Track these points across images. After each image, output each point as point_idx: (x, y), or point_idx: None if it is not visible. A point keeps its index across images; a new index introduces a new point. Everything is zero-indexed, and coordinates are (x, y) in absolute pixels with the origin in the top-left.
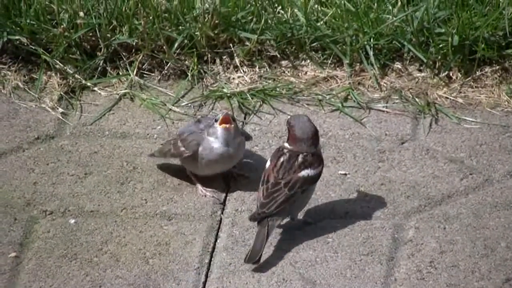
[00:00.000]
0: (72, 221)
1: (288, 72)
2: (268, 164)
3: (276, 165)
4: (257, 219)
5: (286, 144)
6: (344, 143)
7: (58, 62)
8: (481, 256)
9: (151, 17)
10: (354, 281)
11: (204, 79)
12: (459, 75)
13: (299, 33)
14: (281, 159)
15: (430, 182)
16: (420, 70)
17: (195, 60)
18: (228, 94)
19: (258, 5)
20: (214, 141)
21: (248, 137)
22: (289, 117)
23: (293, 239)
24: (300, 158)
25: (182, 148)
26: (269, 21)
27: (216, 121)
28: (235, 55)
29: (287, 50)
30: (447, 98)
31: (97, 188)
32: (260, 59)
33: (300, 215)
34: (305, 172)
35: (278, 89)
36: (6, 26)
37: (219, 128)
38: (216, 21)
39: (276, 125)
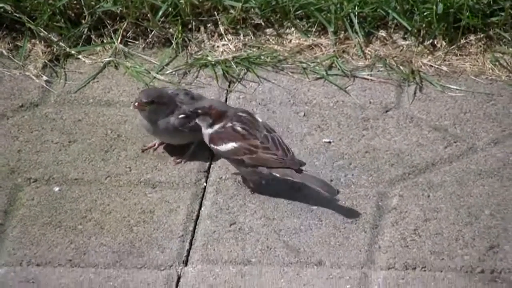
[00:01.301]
0: (56, 188)
1: (273, 40)
2: (233, 145)
3: (244, 134)
4: (297, 167)
5: (218, 126)
6: (329, 111)
7: (42, 30)
8: (465, 223)
9: None
10: (338, 249)
11: (189, 47)
12: (444, 43)
13: (284, 1)
14: (238, 128)
15: (414, 150)
16: (404, 38)
17: (180, 28)
18: (213, 62)
19: None
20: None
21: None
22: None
23: (277, 207)
24: (240, 114)
25: None
26: None
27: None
28: (219, 23)
29: (271, 18)
30: (432, 66)
31: (81, 156)
32: (245, 27)
33: None
34: (258, 116)
35: (262, 57)
36: None
37: None
38: None
39: (260, 93)
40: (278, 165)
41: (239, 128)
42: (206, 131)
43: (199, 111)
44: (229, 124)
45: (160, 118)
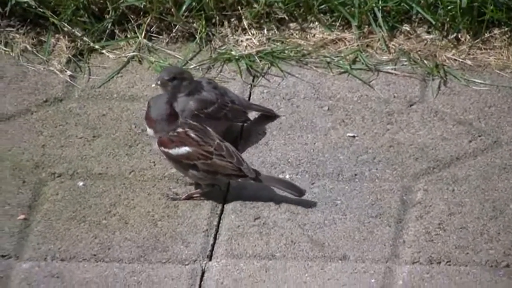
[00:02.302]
0: (81, 183)
1: (297, 34)
2: (186, 149)
3: (198, 141)
4: (254, 176)
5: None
6: (353, 106)
7: (66, 24)
8: (490, 218)
9: None
10: (363, 243)
11: (212, 42)
12: (468, 37)
13: None
14: (192, 134)
15: (438, 144)
16: (428, 32)
17: (203, 22)
18: (236, 57)
19: None
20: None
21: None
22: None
23: (301, 202)
24: (192, 122)
25: None
26: None
27: None
28: (243, 17)
29: (295, 12)
30: (456, 60)
31: (106, 151)
32: (269, 21)
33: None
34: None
35: (286, 51)
36: None
37: None
38: None
39: (284, 88)
40: (234, 173)
41: (192, 135)
42: (153, 134)
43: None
44: (181, 130)
45: (181, 95)
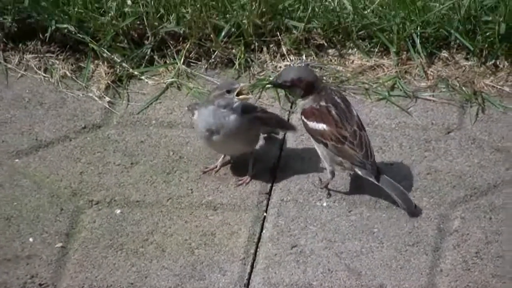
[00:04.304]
0: (118, 211)
1: (335, 60)
2: (323, 126)
3: (337, 121)
4: (376, 174)
5: (308, 100)
6: (390, 133)
7: (105, 50)
8: None
9: (198, 5)
10: (400, 272)
11: (251, 68)
12: (506, 63)
13: (346, 21)
14: (333, 112)
15: (476, 171)
16: (467, 59)
17: (242, 48)
18: None
19: None
20: (210, 108)
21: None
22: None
23: (338, 230)
24: (337, 99)
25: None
26: (316, 9)
27: (228, 92)
28: (282, 43)
29: (334, 38)
30: (494, 87)
31: (143, 178)
32: (307, 47)
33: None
34: (353, 108)
35: (325, 77)
36: (54, 15)
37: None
38: (263, 9)
39: None
40: (358, 164)
41: (333, 112)
42: (300, 102)
43: (287, 83)
44: (324, 104)
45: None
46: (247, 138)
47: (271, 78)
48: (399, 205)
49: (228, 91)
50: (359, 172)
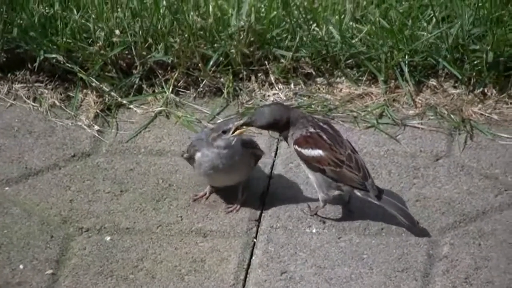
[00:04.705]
0: (108, 238)
1: (323, 89)
2: (319, 152)
3: (330, 145)
4: (376, 193)
5: (294, 131)
6: (379, 160)
7: (94, 80)
8: None
9: (186, 35)
10: None
11: (240, 96)
12: (494, 91)
13: (334, 50)
14: (324, 137)
15: (465, 198)
16: (455, 87)
17: (231, 77)
18: None
19: (293, 22)
20: (213, 150)
21: (257, 154)
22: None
23: (328, 256)
24: (323, 125)
25: (185, 151)
26: (304, 38)
27: (224, 132)
28: (270, 72)
29: (322, 67)
30: (482, 114)
31: (133, 206)
32: (295, 76)
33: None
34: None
35: (313, 106)
36: (42, 45)
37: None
38: (251, 39)
39: None
40: (358, 186)
41: (325, 137)
42: (286, 135)
43: (264, 127)
44: (313, 130)
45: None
46: (246, 169)
47: (252, 111)
48: (401, 222)
49: (224, 132)
50: (358, 194)
